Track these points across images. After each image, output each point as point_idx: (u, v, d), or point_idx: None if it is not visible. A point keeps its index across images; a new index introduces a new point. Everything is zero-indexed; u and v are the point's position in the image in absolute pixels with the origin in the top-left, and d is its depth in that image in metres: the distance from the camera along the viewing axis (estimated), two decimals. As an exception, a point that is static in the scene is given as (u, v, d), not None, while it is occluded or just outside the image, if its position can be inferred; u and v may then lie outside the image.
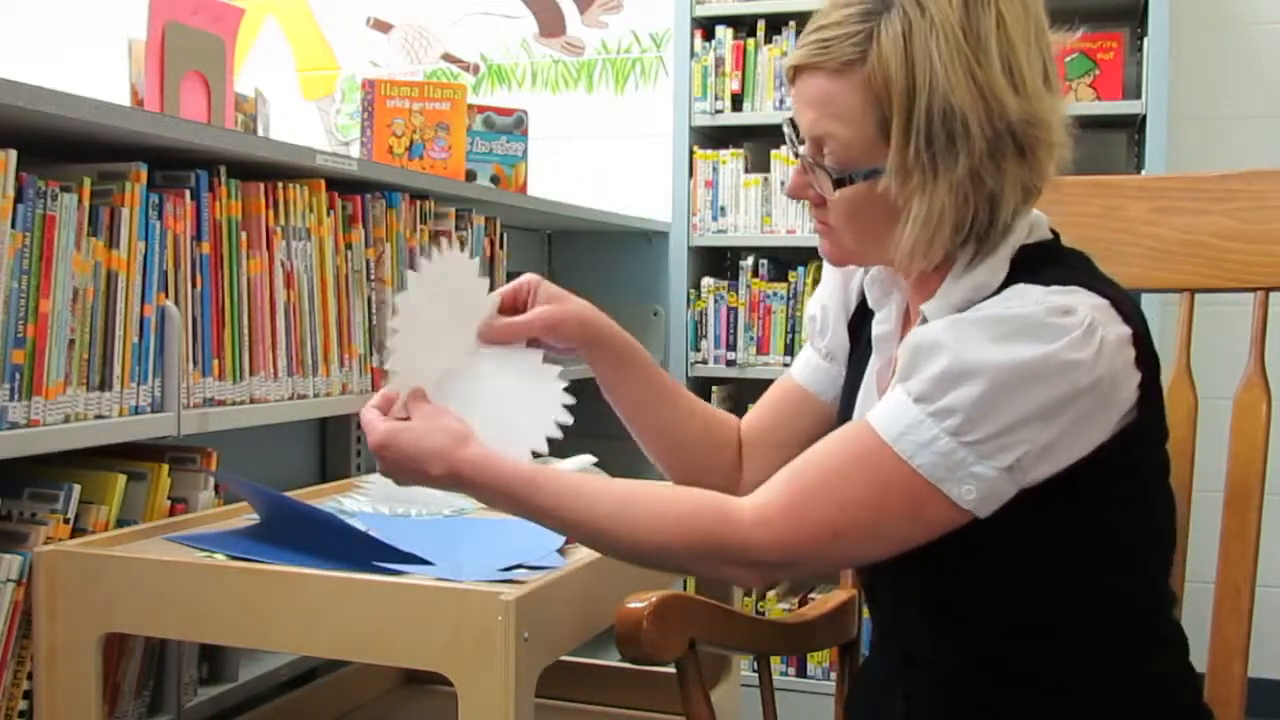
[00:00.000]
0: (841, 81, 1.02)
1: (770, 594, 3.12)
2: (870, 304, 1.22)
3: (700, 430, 1.30)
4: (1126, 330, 1.02)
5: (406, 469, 1.09)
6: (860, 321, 1.26)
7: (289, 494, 1.66)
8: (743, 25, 3.18)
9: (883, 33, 1.00)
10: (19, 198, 1.28)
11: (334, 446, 2.16)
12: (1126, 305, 1.04)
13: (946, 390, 0.98)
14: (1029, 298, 1.01)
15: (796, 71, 1.07)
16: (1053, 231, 1.13)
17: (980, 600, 1.10)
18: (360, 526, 1.41)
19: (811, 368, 1.32)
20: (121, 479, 1.43)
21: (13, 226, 1.28)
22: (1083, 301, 1.00)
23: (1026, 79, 1.00)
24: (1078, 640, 1.09)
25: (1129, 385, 1.02)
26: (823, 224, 1.12)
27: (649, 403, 1.27)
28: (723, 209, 3.17)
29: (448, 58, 3.87)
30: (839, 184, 1.06)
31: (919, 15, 0.99)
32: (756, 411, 1.35)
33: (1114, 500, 1.07)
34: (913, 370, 1.01)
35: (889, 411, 1.02)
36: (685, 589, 1.43)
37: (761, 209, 3.15)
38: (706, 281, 3.18)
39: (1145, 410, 1.04)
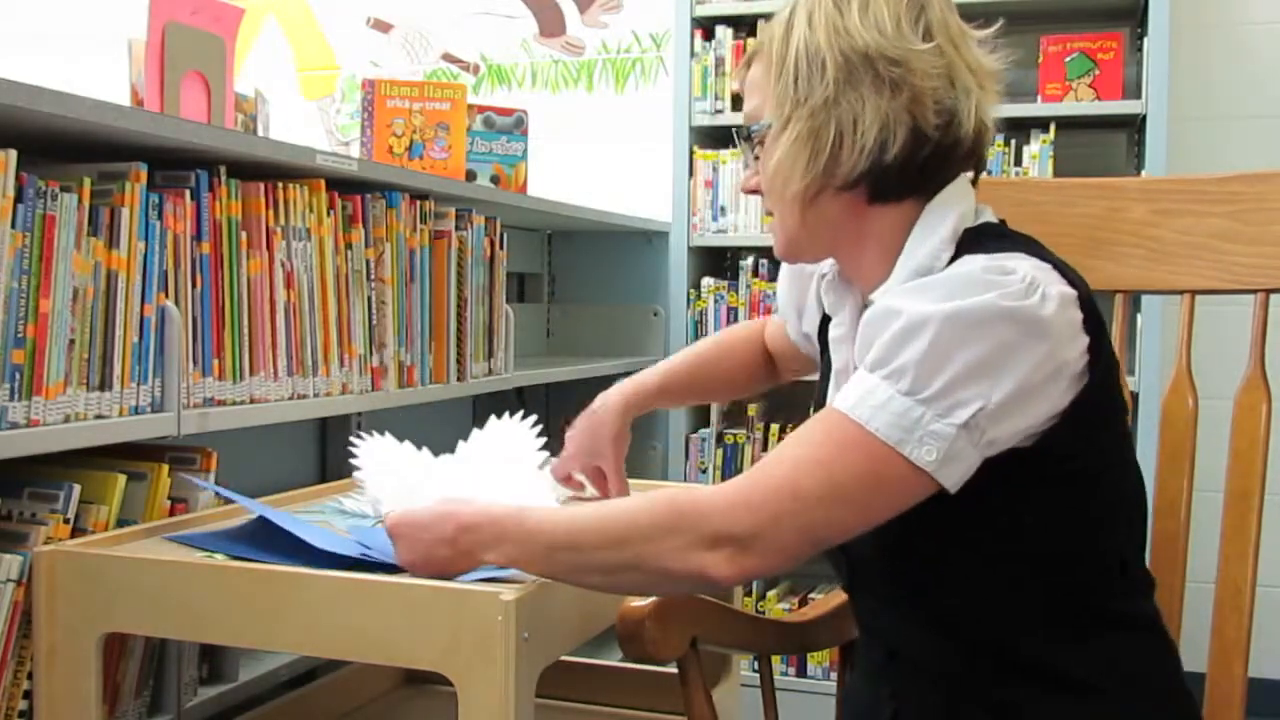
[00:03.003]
0: (756, 66, 1.20)
1: (770, 594, 3.12)
2: (826, 309, 1.27)
3: (750, 384, 1.57)
4: (1071, 291, 1.04)
5: (421, 539, 1.18)
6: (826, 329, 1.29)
7: (286, 494, 1.66)
8: (743, 25, 3.18)
9: (775, 17, 1.19)
10: (19, 198, 1.28)
11: (334, 446, 2.15)
12: (1071, 273, 1.08)
13: (898, 351, 1.01)
14: (972, 264, 1.06)
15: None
16: (1001, 221, 1.17)
17: (952, 594, 1.12)
18: (348, 531, 1.41)
19: (784, 332, 1.48)
20: (121, 479, 1.43)
21: (13, 226, 1.27)
22: (1024, 263, 1.04)
23: (887, 23, 1.12)
24: (1051, 627, 1.10)
25: (1076, 345, 1.04)
26: (769, 214, 1.21)
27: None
28: (723, 209, 3.17)
29: (448, 58, 3.87)
30: (756, 145, 1.19)
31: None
32: (775, 320, 1.53)
33: (1079, 480, 1.08)
34: (869, 342, 1.05)
35: (848, 389, 1.05)
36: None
37: (761, 209, 3.14)
38: (706, 281, 3.18)
39: (1097, 376, 1.05)
